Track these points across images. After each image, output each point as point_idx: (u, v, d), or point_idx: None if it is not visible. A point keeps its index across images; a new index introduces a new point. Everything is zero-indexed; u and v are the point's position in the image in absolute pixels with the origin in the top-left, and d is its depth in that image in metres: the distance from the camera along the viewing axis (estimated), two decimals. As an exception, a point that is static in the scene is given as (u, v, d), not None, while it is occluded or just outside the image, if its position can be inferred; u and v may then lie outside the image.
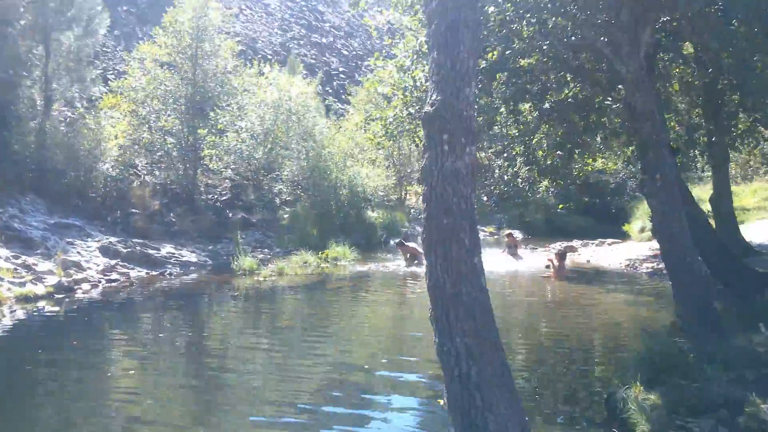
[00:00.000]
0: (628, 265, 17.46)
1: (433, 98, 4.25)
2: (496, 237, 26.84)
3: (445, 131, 4.13)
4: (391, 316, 11.93)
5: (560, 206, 29.40)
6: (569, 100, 11.49)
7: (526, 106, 12.19)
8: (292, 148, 24.67)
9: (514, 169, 13.51)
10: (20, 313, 11.45)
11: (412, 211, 26.81)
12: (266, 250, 20.71)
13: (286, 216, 23.72)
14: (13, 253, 14.53)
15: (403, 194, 30.33)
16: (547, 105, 11.49)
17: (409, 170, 30.66)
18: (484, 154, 20.99)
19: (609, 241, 22.70)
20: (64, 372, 8.07)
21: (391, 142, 14.74)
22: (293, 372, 7.99)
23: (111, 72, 28.01)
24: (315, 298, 13.89)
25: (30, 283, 13.12)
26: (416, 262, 17.55)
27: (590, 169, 15.35)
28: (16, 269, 13.57)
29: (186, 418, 6.45)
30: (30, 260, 14.49)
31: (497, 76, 10.81)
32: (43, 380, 7.75)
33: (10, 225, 15.99)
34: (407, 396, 7.10)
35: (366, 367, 8.14)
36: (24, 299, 12.36)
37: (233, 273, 16.71)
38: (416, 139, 12.74)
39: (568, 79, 11.34)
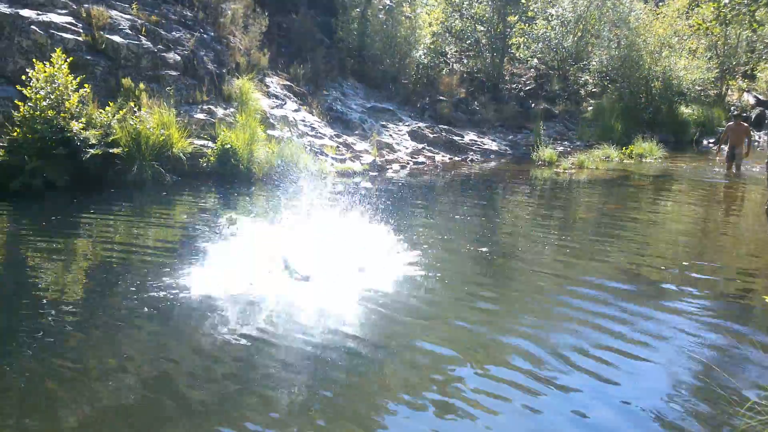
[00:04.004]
0: None
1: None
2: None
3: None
4: (696, 219, 11.04)
5: None
6: None
7: None
8: (603, 36, 23.26)
9: None
10: (340, 186, 12.90)
11: (732, 108, 23.86)
12: (566, 142, 20.33)
13: (590, 108, 22.84)
14: (335, 133, 16.25)
15: (724, 89, 27.03)
16: None
17: (734, 62, 27.05)
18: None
19: None
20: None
21: (720, 29, 13.09)
22: (582, 267, 7.92)
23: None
24: (614, 194, 13.37)
25: (349, 160, 14.65)
26: (736, 150, 15.51)
27: None
28: (338, 147, 15.20)
29: (463, 291, 6.81)
30: (349, 140, 16.09)
31: None
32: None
33: (334, 107, 17.83)
34: (709, 292, 6.65)
35: (663, 268, 7.74)
36: (343, 174, 13.88)
37: (532, 163, 16.79)
38: (753, 24, 11.15)
39: None
